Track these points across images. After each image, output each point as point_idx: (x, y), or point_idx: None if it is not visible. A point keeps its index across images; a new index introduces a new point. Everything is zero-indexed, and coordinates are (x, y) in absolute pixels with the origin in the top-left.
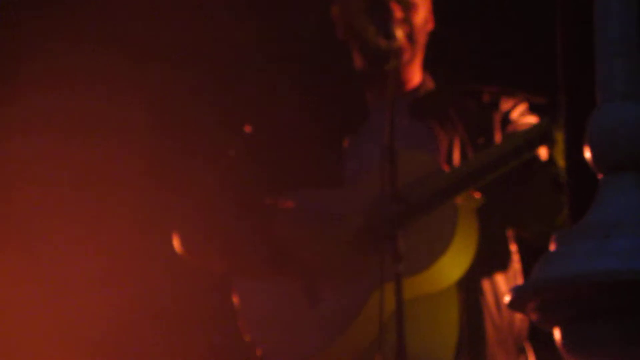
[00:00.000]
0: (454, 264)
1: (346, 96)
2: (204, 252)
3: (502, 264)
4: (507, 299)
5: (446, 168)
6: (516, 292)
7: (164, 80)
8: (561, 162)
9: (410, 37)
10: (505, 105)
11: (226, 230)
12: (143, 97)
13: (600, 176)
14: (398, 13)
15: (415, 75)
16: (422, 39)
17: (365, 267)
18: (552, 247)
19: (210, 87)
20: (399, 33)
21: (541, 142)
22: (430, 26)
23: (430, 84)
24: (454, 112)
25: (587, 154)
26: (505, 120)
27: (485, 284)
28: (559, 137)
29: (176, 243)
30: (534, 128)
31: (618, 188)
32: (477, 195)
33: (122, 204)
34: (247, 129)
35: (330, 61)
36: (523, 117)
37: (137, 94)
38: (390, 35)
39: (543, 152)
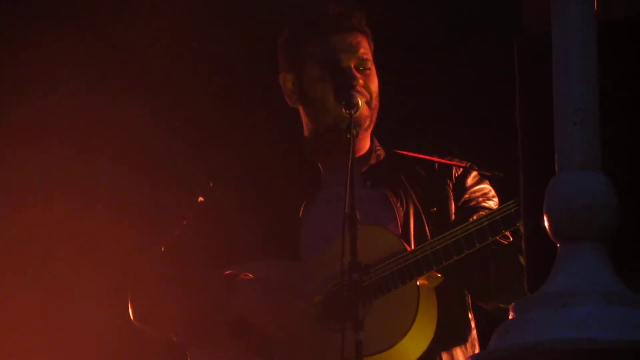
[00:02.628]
0: (414, 344)
1: (300, 165)
2: (160, 323)
3: (461, 337)
4: None
5: (407, 247)
6: None
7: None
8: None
9: (369, 104)
10: (455, 172)
11: (184, 300)
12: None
13: (558, 245)
14: (359, 79)
15: (367, 142)
16: (377, 105)
17: (324, 341)
18: (511, 315)
19: (178, 150)
20: (361, 101)
21: (505, 226)
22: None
23: (381, 150)
24: (407, 180)
25: (546, 222)
26: (460, 187)
27: (445, 357)
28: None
29: (131, 312)
30: (497, 211)
31: (576, 257)
32: (438, 274)
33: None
34: (201, 198)
35: (282, 128)
36: (477, 184)
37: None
38: (352, 104)
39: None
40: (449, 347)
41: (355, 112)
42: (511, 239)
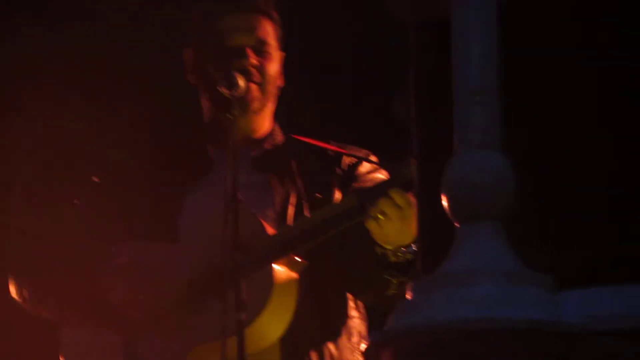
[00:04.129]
0: (268, 328)
1: (189, 147)
2: (34, 301)
3: (335, 331)
4: (362, 347)
5: (272, 230)
6: (372, 340)
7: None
8: (388, 238)
9: (262, 86)
10: (348, 160)
11: (53, 279)
12: None
13: (456, 225)
14: (253, 59)
15: (263, 125)
16: (273, 90)
17: (188, 324)
18: (409, 295)
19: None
20: (242, 82)
21: (353, 215)
22: (280, 82)
23: (280, 136)
24: (296, 166)
25: (444, 202)
26: (350, 176)
27: (313, 355)
28: (386, 209)
29: (11, 289)
30: (345, 200)
31: (475, 237)
32: (301, 259)
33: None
34: (95, 179)
35: (177, 108)
36: (371, 172)
37: None
38: (232, 84)
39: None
40: (320, 342)
41: (237, 92)
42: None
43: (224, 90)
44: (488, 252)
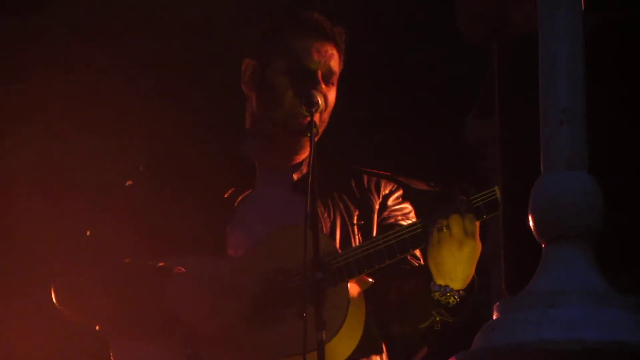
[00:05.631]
0: (341, 346)
1: (235, 161)
2: (82, 308)
3: (379, 347)
4: None
5: (338, 249)
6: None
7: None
8: (441, 261)
9: (321, 114)
10: (383, 189)
11: (110, 288)
12: None
13: (543, 245)
14: (322, 85)
15: (305, 150)
16: (327, 118)
17: (251, 339)
18: (495, 315)
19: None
20: (321, 100)
21: (414, 245)
22: None
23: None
24: (336, 191)
25: (530, 222)
26: (383, 205)
27: None
28: (438, 238)
29: (53, 294)
30: (407, 227)
31: (562, 257)
32: (368, 278)
33: None
34: (129, 182)
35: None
36: (398, 203)
37: None
38: (312, 102)
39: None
40: (368, 355)
41: (316, 111)
42: (422, 262)
43: (302, 108)
44: (574, 273)
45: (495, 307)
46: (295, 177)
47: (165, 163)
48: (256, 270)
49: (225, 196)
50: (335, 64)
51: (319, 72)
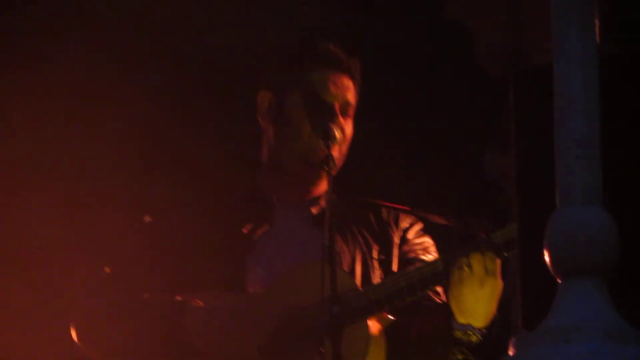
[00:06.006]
0: None
1: (253, 197)
2: (101, 346)
3: None
4: None
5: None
6: None
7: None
8: (462, 300)
9: (341, 147)
10: (403, 223)
11: (130, 323)
12: None
13: (558, 280)
14: (340, 118)
15: (323, 185)
16: (346, 150)
17: None
18: (511, 351)
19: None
20: (338, 134)
21: (435, 282)
22: None
23: (333, 194)
24: (355, 225)
25: (546, 257)
26: (403, 238)
27: None
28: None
29: (74, 334)
30: (428, 265)
31: (577, 293)
32: (389, 316)
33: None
34: (148, 218)
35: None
36: (418, 237)
37: None
38: (329, 136)
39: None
40: None
41: (333, 144)
42: (444, 299)
43: (320, 142)
44: (590, 309)
45: (510, 342)
46: (314, 211)
47: (184, 198)
48: (274, 306)
49: (244, 232)
50: (351, 96)
51: (336, 105)
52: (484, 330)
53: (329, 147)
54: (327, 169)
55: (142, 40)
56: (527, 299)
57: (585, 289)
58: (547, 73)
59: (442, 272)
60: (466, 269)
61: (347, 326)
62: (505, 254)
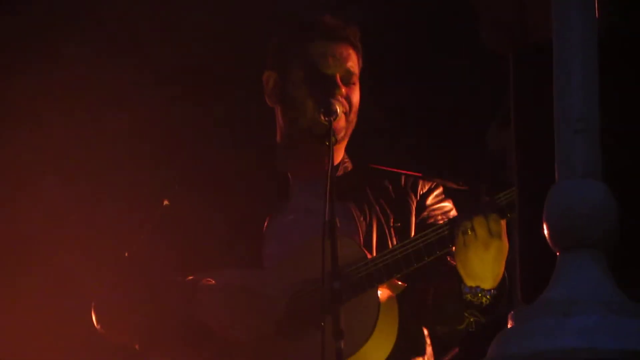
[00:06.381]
0: (376, 351)
1: (269, 174)
2: (121, 329)
3: (420, 349)
4: None
5: (368, 255)
6: None
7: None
8: (468, 264)
9: (347, 115)
10: (421, 189)
11: (143, 306)
12: None
13: (557, 253)
14: (343, 89)
15: (339, 154)
16: (355, 119)
17: (285, 348)
18: (510, 324)
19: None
20: (339, 108)
21: (440, 247)
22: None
23: (348, 163)
24: (372, 194)
25: (545, 231)
26: (421, 205)
27: None
28: (466, 240)
29: (94, 318)
30: (433, 230)
31: (576, 265)
32: (401, 282)
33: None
34: (165, 202)
35: (254, 133)
36: (438, 202)
37: None
38: (331, 112)
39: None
40: (408, 357)
41: (334, 120)
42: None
43: (321, 117)
44: (589, 282)
45: (509, 315)
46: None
47: (200, 179)
48: (285, 281)
49: (260, 209)
50: (353, 63)
51: (337, 76)
52: (494, 292)
53: (330, 123)
54: (328, 143)
55: (146, 36)
56: (525, 271)
57: (584, 262)
58: (546, 48)
59: (447, 237)
60: (470, 233)
61: (356, 296)
62: (509, 215)
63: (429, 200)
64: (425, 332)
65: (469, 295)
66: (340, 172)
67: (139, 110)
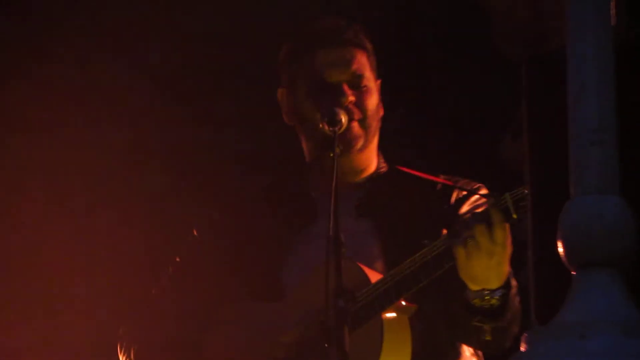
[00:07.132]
0: None
1: (294, 196)
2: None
3: None
4: None
5: (374, 278)
6: None
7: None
8: (472, 272)
9: (363, 122)
10: (456, 198)
11: (162, 347)
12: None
13: (572, 272)
14: (350, 96)
15: (370, 163)
16: (375, 123)
17: None
18: (523, 347)
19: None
20: (344, 117)
21: (435, 268)
22: (381, 112)
23: (384, 167)
24: (402, 207)
25: (560, 248)
26: (454, 212)
27: None
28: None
29: (121, 357)
30: (429, 250)
31: (593, 285)
32: (410, 304)
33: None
34: (194, 232)
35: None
36: (477, 208)
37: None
38: (335, 121)
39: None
40: None
41: (339, 130)
42: None
43: (325, 128)
44: (605, 302)
45: (523, 338)
46: (357, 202)
47: (229, 210)
48: (302, 309)
49: (284, 238)
50: (359, 65)
51: (342, 83)
52: (502, 290)
53: (335, 133)
54: (332, 155)
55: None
56: (539, 291)
57: (601, 282)
58: (561, 57)
59: (442, 253)
60: (470, 242)
61: (360, 325)
62: (515, 217)
63: (463, 209)
64: (462, 347)
65: (477, 301)
66: (372, 182)
67: (137, 117)
